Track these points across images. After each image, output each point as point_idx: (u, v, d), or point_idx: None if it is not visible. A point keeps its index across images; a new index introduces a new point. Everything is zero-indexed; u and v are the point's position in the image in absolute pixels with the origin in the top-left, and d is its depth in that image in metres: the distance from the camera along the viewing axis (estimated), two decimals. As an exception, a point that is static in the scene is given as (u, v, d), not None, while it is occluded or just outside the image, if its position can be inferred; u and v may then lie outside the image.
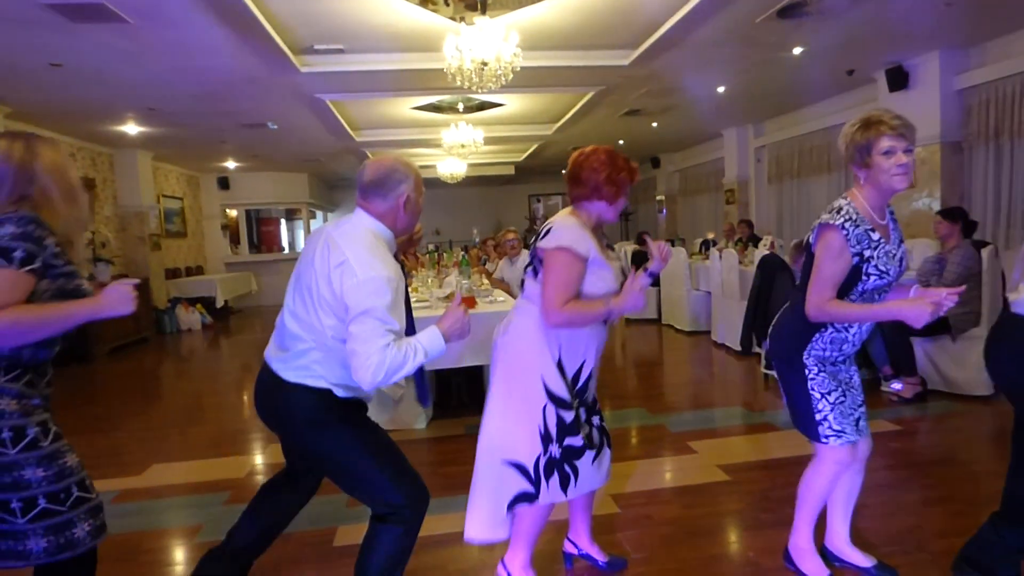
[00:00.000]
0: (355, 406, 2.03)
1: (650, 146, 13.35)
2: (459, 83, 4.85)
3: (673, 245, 9.35)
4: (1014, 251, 6.45)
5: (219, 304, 11.24)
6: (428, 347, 1.85)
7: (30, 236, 1.54)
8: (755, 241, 8.03)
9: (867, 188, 2.05)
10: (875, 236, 2.02)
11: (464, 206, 17.92)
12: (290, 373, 1.91)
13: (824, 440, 2.14)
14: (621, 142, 12.31)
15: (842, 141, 2.06)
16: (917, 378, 4.47)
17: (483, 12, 4.67)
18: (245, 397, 5.87)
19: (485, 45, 4.60)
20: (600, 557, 2.49)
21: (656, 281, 8.55)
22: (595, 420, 2.30)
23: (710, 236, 9.84)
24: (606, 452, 2.30)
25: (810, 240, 2.10)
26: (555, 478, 2.13)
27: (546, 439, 2.12)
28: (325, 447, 1.93)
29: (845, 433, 2.13)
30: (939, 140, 6.87)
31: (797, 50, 6.36)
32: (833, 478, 2.20)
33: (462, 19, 4.99)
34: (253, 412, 5.55)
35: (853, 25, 5.66)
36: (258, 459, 4.04)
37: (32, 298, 1.56)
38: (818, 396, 2.14)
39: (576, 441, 2.15)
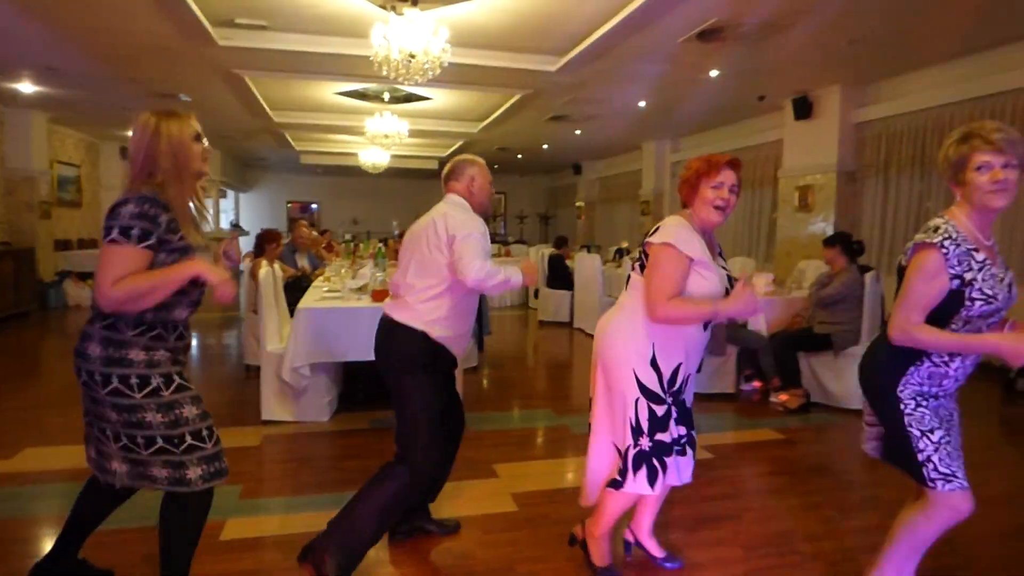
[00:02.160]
0: (444, 360, 2.47)
1: (573, 152, 13.62)
2: (385, 73, 4.78)
3: (589, 251, 9.58)
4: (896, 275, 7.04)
5: (113, 281, 10.55)
6: (511, 274, 2.38)
7: (145, 215, 1.76)
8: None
9: (966, 207, 1.83)
10: (979, 256, 1.79)
11: (385, 197, 17.65)
12: (399, 315, 2.43)
13: (932, 484, 1.84)
14: (546, 146, 12.50)
15: (940, 155, 1.88)
16: (802, 390, 4.79)
17: (414, 4, 4.62)
18: (136, 382, 5.53)
19: (414, 37, 4.56)
20: (657, 552, 2.53)
21: (571, 285, 8.73)
22: (691, 431, 2.30)
23: (624, 245, 10.15)
24: (690, 453, 2.32)
25: (903, 261, 1.90)
26: (643, 471, 2.16)
27: (636, 432, 2.16)
28: (403, 385, 2.42)
29: (956, 477, 1.84)
30: (836, 169, 7.40)
31: (714, 72, 6.68)
32: (944, 527, 1.90)
33: (392, 8, 4.91)
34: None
35: (764, 53, 6.00)
36: (145, 448, 3.82)
37: (152, 270, 1.79)
38: (917, 434, 1.86)
39: (666, 437, 2.18)
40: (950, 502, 1.85)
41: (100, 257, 1.75)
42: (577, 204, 15.83)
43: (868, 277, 4.72)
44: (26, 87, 7.78)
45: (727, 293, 2.17)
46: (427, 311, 2.39)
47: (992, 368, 5.91)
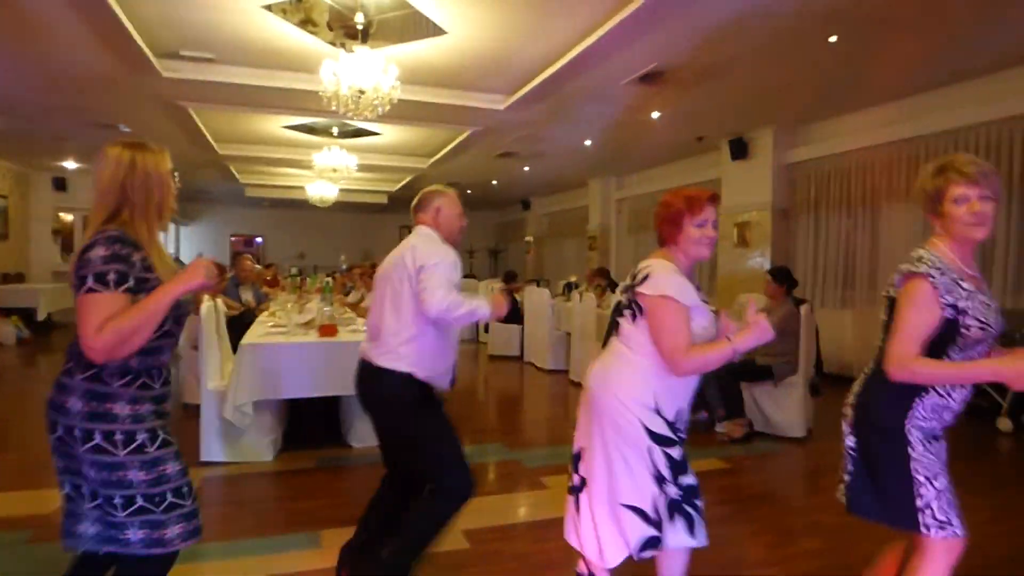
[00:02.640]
0: (432, 395, 2.45)
1: (522, 188, 13.83)
2: (335, 108, 4.80)
3: (538, 286, 9.67)
4: (829, 308, 7.38)
5: (40, 316, 9.98)
6: (477, 306, 2.35)
7: (117, 256, 1.65)
8: (613, 286, 8.50)
9: (946, 238, 1.83)
10: (965, 285, 1.77)
11: (332, 231, 17.44)
12: (382, 360, 2.39)
13: (925, 531, 1.79)
14: (495, 182, 12.65)
15: (916, 187, 1.89)
16: (745, 420, 4.92)
17: (364, 41, 4.67)
18: (64, 424, 5.23)
19: (364, 74, 4.60)
20: None
21: (520, 319, 8.77)
22: None
23: (573, 279, 10.29)
24: None
25: (890, 292, 1.87)
26: (680, 521, 2.04)
27: (660, 480, 2.05)
28: (404, 427, 2.42)
29: (951, 524, 1.79)
30: (770, 207, 7.75)
31: (655, 114, 6.95)
32: (949, 571, 1.82)
33: (342, 45, 4.95)
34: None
35: (702, 97, 6.30)
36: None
37: None
38: (922, 479, 1.80)
39: (691, 479, 2.07)
40: (945, 545, 1.80)
41: (78, 309, 1.64)
42: (526, 239, 16.01)
43: (803, 309, 4.93)
44: (-49, 114, 7.43)
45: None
46: (408, 352, 2.37)
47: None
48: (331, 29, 4.95)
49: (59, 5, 4.26)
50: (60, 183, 11.97)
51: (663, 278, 2.05)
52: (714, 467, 4.24)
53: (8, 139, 8.91)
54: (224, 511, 3.40)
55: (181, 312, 1.82)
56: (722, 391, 4.95)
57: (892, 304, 1.86)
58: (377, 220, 17.85)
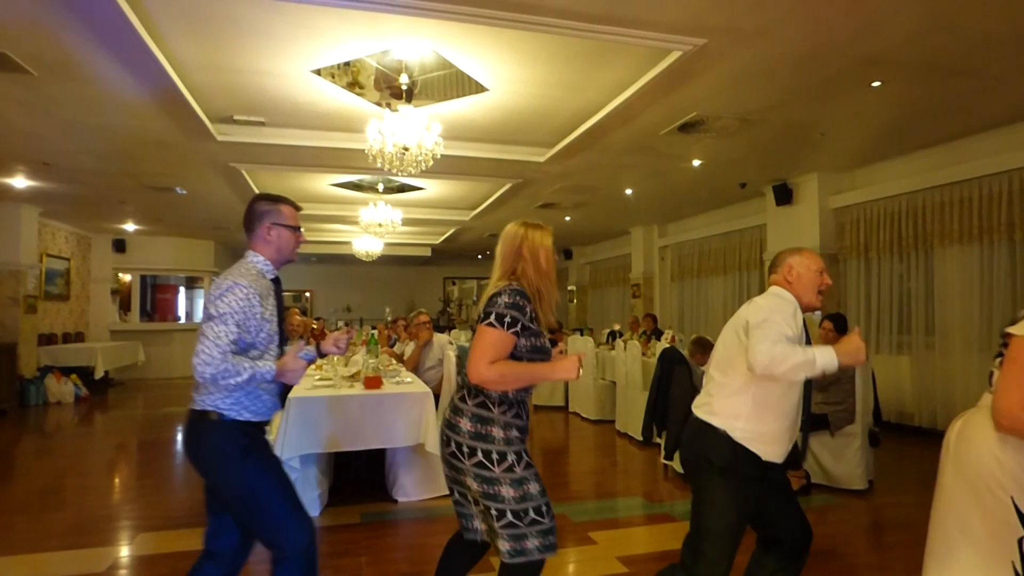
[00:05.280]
0: (751, 464, 2.22)
1: (563, 238, 13.91)
2: (380, 165, 4.95)
3: (581, 335, 9.60)
4: (884, 353, 7.08)
5: (98, 375, 10.29)
6: (816, 355, 2.02)
7: (516, 305, 2.08)
8: (658, 334, 8.38)
9: None
10: None
11: (378, 284, 17.75)
12: (702, 413, 2.30)
13: None
14: (535, 232, 12.73)
15: None
16: (802, 472, 4.70)
17: (408, 101, 4.84)
18: (117, 479, 5.34)
19: (408, 132, 4.75)
20: None
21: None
22: None
23: (616, 327, 10.19)
24: None
25: None
26: None
27: None
28: (698, 487, 2.28)
29: None
30: (818, 252, 7.57)
31: (696, 162, 6.95)
32: None
33: (387, 105, 5.14)
34: (124, 496, 5.02)
35: (743, 144, 6.28)
36: (123, 551, 3.64)
37: (514, 352, 2.09)
38: None
39: None
40: None
41: (476, 335, 2.08)
42: (569, 288, 16.00)
43: (859, 356, 4.74)
44: (19, 181, 7.86)
45: None
46: (728, 407, 2.24)
47: None
48: (377, 90, 5.15)
49: (123, 78, 4.56)
50: (120, 245, 12.55)
51: None
52: (772, 523, 4.03)
53: (71, 204, 9.39)
54: (270, 568, 3.38)
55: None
56: (776, 442, 4.76)
57: None
58: (422, 272, 18.12)
